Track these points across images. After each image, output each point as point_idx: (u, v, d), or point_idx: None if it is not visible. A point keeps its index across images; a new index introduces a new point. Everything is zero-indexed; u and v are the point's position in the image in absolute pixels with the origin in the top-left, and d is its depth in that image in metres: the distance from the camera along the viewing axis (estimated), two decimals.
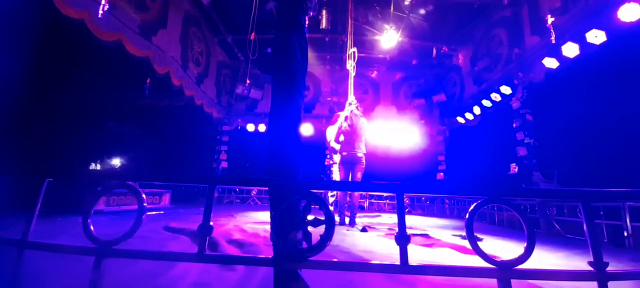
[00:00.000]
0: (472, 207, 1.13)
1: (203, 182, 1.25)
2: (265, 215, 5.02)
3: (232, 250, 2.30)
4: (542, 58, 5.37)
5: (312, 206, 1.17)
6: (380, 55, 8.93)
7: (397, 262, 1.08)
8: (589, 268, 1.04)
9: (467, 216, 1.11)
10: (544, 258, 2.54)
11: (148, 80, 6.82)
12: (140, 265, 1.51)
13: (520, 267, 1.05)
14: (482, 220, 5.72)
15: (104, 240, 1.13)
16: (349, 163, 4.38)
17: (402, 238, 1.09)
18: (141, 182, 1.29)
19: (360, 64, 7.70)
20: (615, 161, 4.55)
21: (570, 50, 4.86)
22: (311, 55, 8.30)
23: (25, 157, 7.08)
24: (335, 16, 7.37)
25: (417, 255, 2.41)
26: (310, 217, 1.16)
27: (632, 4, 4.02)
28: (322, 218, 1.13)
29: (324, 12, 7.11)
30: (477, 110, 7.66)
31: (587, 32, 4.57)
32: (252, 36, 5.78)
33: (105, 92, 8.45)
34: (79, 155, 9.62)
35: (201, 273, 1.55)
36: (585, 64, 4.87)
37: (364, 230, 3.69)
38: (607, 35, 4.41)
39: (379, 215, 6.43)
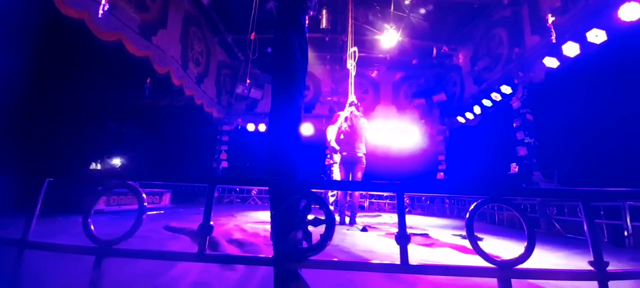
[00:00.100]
0: (472, 207, 1.13)
1: (203, 182, 1.25)
2: (265, 215, 5.02)
3: (233, 250, 2.30)
4: (543, 57, 5.37)
5: (312, 206, 1.17)
6: (381, 55, 8.93)
7: (398, 262, 1.08)
8: (590, 267, 1.04)
9: (467, 216, 1.11)
10: (544, 257, 2.54)
11: (148, 80, 6.82)
12: (141, 264, 1.51)
13: (520, 266, 1.05)
14: (483, 219, 5.72)
15: (104, 239, 1.13)
16: (349, 163, 4.38)
17: (403, 238, 1.09)
18: (141, 181, 1.30)
19: (361, 63, 7.69)
20: (616, 161, 4.55)
21: (571, 49, 4.85)
22: (311, 55, 8.30)
23: (25, 157, 7.08)
24: (335, 16, 7.37)
25: (418, 254, 2.41)
26: (310, 217, 1.16)
27: (632, 3, 4.02)
28: (322, 217, 1.13)
29: (324, 11, 7.11)
30: (477, 109, 7.65)
31: (587, 31, 4.56)
32: (252, 36, 5.78)
33: (105, 92, 8.45)
34: (79, 155, 9.63)
35: (201, 272, 1.55)
36: (585, 63, 4.87)
37: (364, 229, 3.69)
38: (608, 34, 4.41)
39: (379, 215, 6.43)
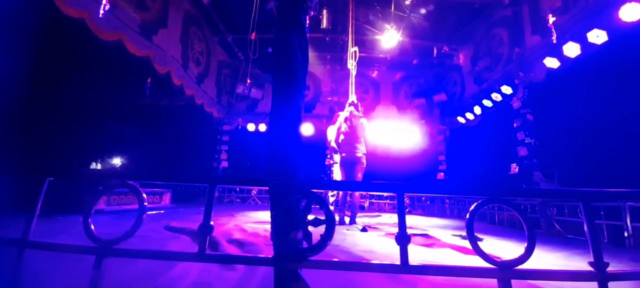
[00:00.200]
0: (472, 207, 1.13)
1: (203, 182, 1.25)
2: (265, 215, 5.02)
3: (233, 250, 2.30)
4: (543, 58, 5.36)
5: (313, 206, 1.17)
6: (381, 55, 8.93)
7: (398, 262, 1.08)
8: (590, 268, 1.04)
9: (467, 216, 1.11)
10: (544, 258, 2.54)
11: (148, 80, 6.83)
12: (141, 264, 1.51)
13: (520, 267, 1.05)
14: (483, 220, 5.71)
15: (105, 239, 1.13)
16: (348, 164, 4.37)
17: (403, 238, 1.09)
18: (142, 181, 1.30)
19: (361, 63, 7.70)
20: (616, 161, 4.54)
21: (571, 50, 4.85)
22: (312, 54, 8.27)
23: (26, 156, 7.09)
24: (335, 16, 7.36)
25: (418, 255, 2.41)
26: (310, 217, 1.16)
27: (633, 3, 4.01)
28: (323, 218, 1.13)
29: (324, 11, 7.10)
30: (477, 110, 7.65)
31: (588, 31, 4.56)
32: (253, 36, 5.77)
33: (105, 91, 8.45)
34: (80, 154, 9.64)
35: (201, 272, 1.55)
36: (586, 63, 4.86)
37: (364, 229, 3.69)
38: (608, 35, 4.40)
39: (380, 215, 6.42)
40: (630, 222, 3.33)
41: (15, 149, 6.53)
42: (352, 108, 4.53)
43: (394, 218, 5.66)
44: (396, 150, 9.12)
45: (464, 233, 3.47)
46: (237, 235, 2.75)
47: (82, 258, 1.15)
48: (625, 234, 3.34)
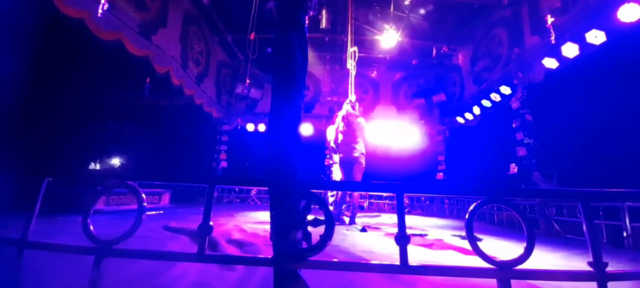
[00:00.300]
0: (471, 207, 1.14)
1: (203, 182, 1.25)
2: (265, 215, 5.01)
3: (232, 250, 2.30)
4: (542, 58, 5.37)
5: (312, 206, 1.17)
6: (380, 55, 8.93)
7: (397, 262, 1.08)
8: (589, 268, 1.04)
9: (466, 216, 1.12)
10: (543, 258, 2.54)
11: (148, 80, 6.82)
12: (140, 264, 1.50)
13: (519, 267, 1.05)
14: (482, 220, 5.72)
15: (104, 239, 1.13)
16: (347, 164, 4.35)
17: (402, 239, 1.09)
18: (141, 181, 1.30)
19: (360, 63, 7.69)
20: (615, 161, 4.55)
21: (570, 50, 4.86)
22: (311, 54, 8.29)
23: (25, 156, 7.07)
24: (335, 16, 7.37)
25: (417, 255, 2.42)
26: (310, 217, 1.16)
27: (631, 4, 4.02)
28: (322, 218, 1.13)
29: (324, 11, 7.11)
30: (476, 110, 7.66)
31: (586, 32, 4.57)
32: (252, 36, 5.77)
33: (105, 91, 8.44)
34: (79, 155, 9.62)
35: (201, 272, 1.55)
36: (585, 64, 4.87)
37: (363, 230, 3.69)
38: (607, 35, 4.41)
39: (379, 215, 6.43)
40: (629, 222, 3.33)
41: (15, 149, 6.52)
42: (348, 107, 4.50)
43: (393, 218, 5.66)
44: (396, 150, 9.13)
45: (463, 234, 3.48)
46: (237, 236, 2.75)
47: (81, 259, 1.15)
48: (624, 234, 3.35)
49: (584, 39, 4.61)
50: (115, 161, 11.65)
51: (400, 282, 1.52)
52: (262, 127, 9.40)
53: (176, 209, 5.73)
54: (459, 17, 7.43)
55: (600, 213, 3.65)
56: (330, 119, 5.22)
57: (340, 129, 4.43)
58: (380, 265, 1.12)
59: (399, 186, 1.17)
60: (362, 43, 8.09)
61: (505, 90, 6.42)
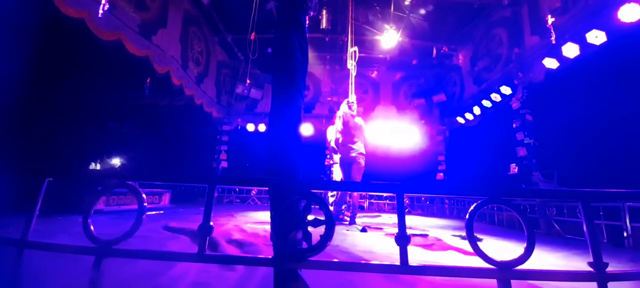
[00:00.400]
0: (472, 208, 1.13)
1: (203, 182, 1.25)
2: (265, 215, 5.01)
3: (232, 250, 2.30)
4: (542, 58, 5.37)
5: (312, 206, 1.17)
6: (381, 55, 8.93)
7: (397, 262, 1.08)
8: (589, 268, 1.04)
9: (467, 216, 1.11)
10: (543, 258, 2.54)
11: (148, 80, 6.82)
12: (140, 264, 1.50)
13: (520, 267, 1.05)
14: (482, 220, 5.72)
15: (104, 239, 1.13)
16: (346, 164, 4.35)
17: (402, 239, 1.09)
18: (141, 181, 1.30)
19: (361, 63, 7.69)
20: (615, 161, 4.55)
21: (570, 50, 4.86)
22: (311, 55, 8.29)
23: (25, 156, 7.08)
24: (335, 16, 7.37)
25: (417, 255, 2.42)
26: (310, 217, 1.16)
27: (632, 4, 4.02)
28: (322, 218, 1.13)
29: (324, 12, 7.11)
30: (477, 110, 7.66)
31: (587, 32, 4.57)
32: (252, 36, 5.77)
33: (105, 91, 8.45)
34: (79, 155, 9.63)
35: (201, 272, 1.55)
36: (585, 64, 4.87)
37: (363, 230, 3.69)
38: (607, 35, 4.41)
39: (379, 215, 6.43)
40: (630, 223, 3.33)
41: (15, 149, 6.52)
42: (346, 107, 4.49)
43: (393, 218, 5.66)
44: (396, 151, 9.13)
45: (463, 234, 3.47)
46: (237, 236, 2.75)
47: (81, 259, 1.15)
48: (625, 234, 3.34)
49: (585, 39, 4.61)
50: (116, 161, 11.66)
51: (400, 282, 1.52)
52: (262, 127, 9.40)
53: (176, 209, 5.73)
54: (459, 17, 7.43)
55: (601, 213, 3.65)
56: (330, 119, 5.22)
57: (339, 127, 4.43)
58: (380, 265, 1.12)
59: (399, 186, 1.17)
60: (362, 43, 8.09)
61: (506, 90, 6.42)
